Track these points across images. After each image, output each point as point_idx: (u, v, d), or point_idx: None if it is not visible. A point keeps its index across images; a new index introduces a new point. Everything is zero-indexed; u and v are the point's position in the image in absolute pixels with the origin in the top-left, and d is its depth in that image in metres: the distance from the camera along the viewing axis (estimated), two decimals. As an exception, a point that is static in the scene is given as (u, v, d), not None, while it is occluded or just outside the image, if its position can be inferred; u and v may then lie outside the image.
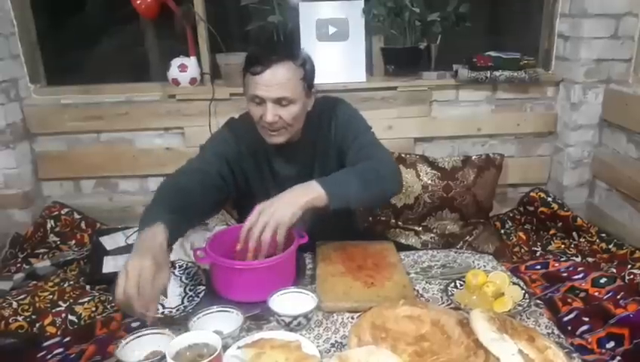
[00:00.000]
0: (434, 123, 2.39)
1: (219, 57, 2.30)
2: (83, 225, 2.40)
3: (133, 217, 2.48)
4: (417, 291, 1.22)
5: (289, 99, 1.28)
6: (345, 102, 1.47)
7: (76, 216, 2.41)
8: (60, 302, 1.77)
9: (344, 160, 1.38)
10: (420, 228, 2.21)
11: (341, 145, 1.39)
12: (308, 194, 1.15)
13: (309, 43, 2.27)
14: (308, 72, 1.32)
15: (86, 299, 1.77)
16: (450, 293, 1.16)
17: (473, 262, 1.38)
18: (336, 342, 1.04)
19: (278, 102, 1.28)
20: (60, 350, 1.44)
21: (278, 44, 1.41)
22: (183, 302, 1.15)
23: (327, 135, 1.41)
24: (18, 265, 2.09)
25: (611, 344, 1.35)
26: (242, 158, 1.41)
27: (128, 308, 0.95)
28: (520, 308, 1.10)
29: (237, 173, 1.40)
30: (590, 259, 2.01)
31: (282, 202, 1.13)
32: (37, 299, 1.79)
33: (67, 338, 1.51)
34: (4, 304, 1.72)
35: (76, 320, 1.68)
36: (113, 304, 1.69)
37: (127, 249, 2.07)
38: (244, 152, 1.41)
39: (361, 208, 1.20)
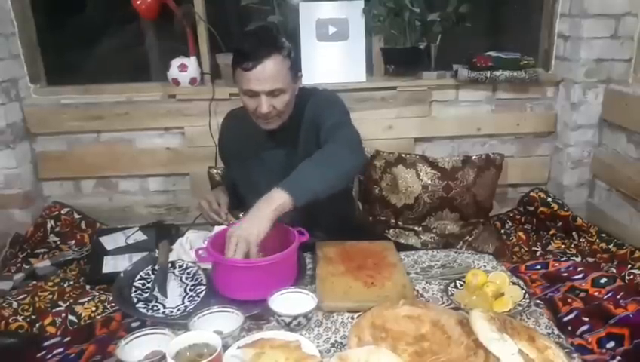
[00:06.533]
0: (434, 123, 2.39)
1: (219, 57, 2.30)
2: (83, 225, 2.40)
3: (133, 217, 2.48)
4: (417, 291, 1.22)
5: (281, 90, 1.36)
6: (326, 89, 1.57)
7: (76, 216, 2.41)
8: (60, 302, 1.77)
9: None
10: (420, 228, 2.21)
11: (316, 122, 1.43)
12: (271, 204, 1.16)
13: (309, 43, 2.27)
14: (293, 60, 1.40)
15: (86, 299, 1.76)
16: (450, 293, 1.16)
17: (473, 262, 1.38)
18: (336, 341, 1.04)
19: (271, 93, 1.35)
20: (60, 350, 1.44)
21: (263, 37, 1.42)
22: (183, 302, 1.15)
23: (307, 115, 1.47)
24: (18, 265, 2.08)
25: (611, 344, 1.34)
26: (234, 151, 1.60)
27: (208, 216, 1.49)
28: (520, 308, 1.10)
29: (234, 166, 1.62)
30: (590, 259, 2.00)
31: (249, 221, 1.15)
32: (37, 299, 1.79)
33: (67, 338, 1.51)
34: (4, 304, 1.72)
35: (76, 320, 1.67)
36: (113, 304, 1.69)
37: (127, 249, 2.07)
38: (234, 146, 1.60)
39: (329, 193, 1.25)
